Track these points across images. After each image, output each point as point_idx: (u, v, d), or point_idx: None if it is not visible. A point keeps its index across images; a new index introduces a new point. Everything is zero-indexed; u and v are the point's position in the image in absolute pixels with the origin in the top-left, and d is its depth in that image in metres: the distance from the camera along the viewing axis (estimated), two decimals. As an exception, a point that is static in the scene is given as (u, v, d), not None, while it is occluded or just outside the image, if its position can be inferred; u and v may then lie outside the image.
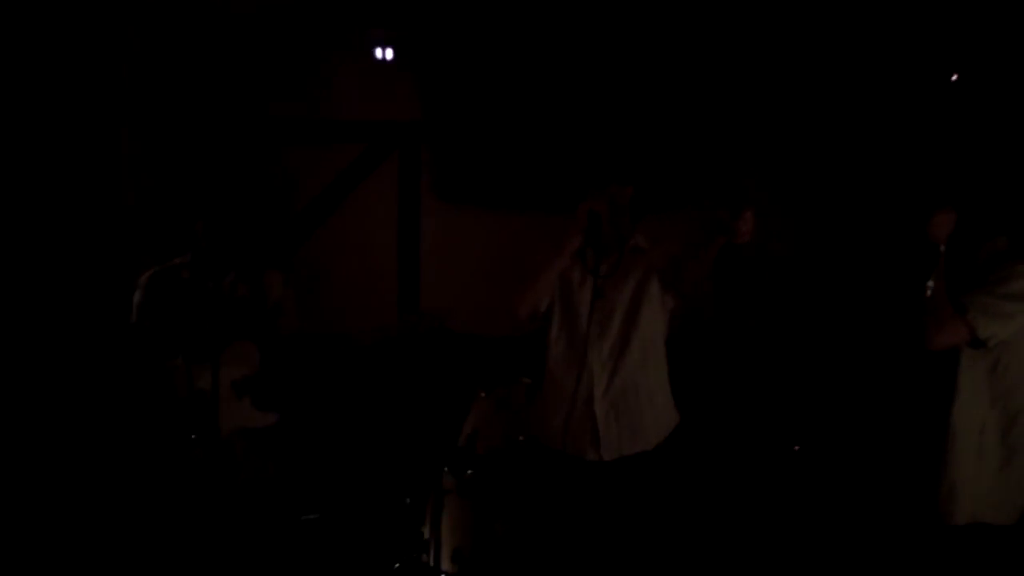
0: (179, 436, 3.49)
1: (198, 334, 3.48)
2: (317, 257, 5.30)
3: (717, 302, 3.57)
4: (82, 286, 4.36)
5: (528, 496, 3.86)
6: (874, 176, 4.80)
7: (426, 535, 4.19)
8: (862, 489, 4.09)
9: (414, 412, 4.83)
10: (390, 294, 5.36)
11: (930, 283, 2.71)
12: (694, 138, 5.14)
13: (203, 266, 3.66)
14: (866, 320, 4.52)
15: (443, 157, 5.41)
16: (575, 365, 3.38)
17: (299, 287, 4.08)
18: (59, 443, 3.92)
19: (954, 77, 4.56)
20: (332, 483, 4.64)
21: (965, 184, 2.95)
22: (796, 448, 4.33)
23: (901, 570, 3.15)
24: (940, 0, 4.53)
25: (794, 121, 4.97)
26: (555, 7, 5.02)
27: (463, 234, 5.21)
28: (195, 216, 3.68)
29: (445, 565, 4.10)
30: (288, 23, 5.07)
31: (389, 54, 5.14)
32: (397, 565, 4.28)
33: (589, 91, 5.16)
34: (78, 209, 4.52)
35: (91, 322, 4.04)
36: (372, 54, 5.13)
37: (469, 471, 4.14)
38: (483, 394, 4.25)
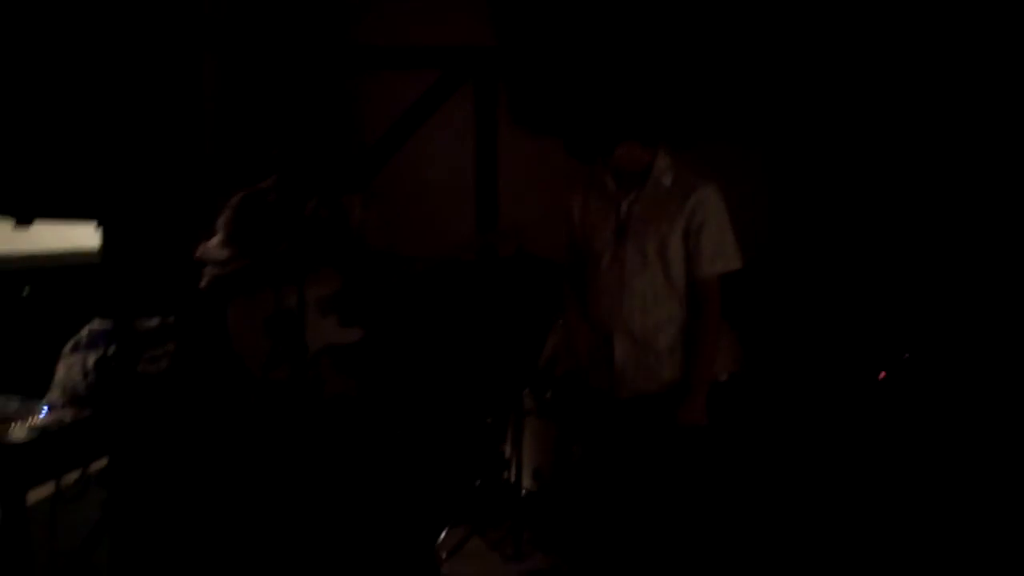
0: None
1: (285, 255, 3.54)
2: (395, 183, 5.34)
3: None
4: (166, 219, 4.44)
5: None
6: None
7: (507, 454, 4.27)
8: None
9: (495, 334, 4.87)
10: (469, 219, 5.39)
11: None
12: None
13: (288, 189, 3.72)
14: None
15: (520, 84, 5.37)
16: (598, 304, 3.38)
17: (378, 210, 4.12)
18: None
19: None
20: (415, 402, 4.73)
21: None
22: (881, 376, 4.26)
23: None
24: None
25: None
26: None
27: (540, 160, 5.19)
28: (272, 143, 3.74)
29: (525, 483, 4.18)
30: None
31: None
32: (479, 482, 4.38)
33: (668, 17, 5.08)
34: (162, 142, 4.61)
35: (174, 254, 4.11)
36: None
37: (548, 393, 4.19)
38: (561, 319, 4.27)
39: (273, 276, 3.57)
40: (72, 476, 3.23)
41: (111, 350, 3.50)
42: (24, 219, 3.28)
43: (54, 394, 3.48)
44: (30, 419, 3.16)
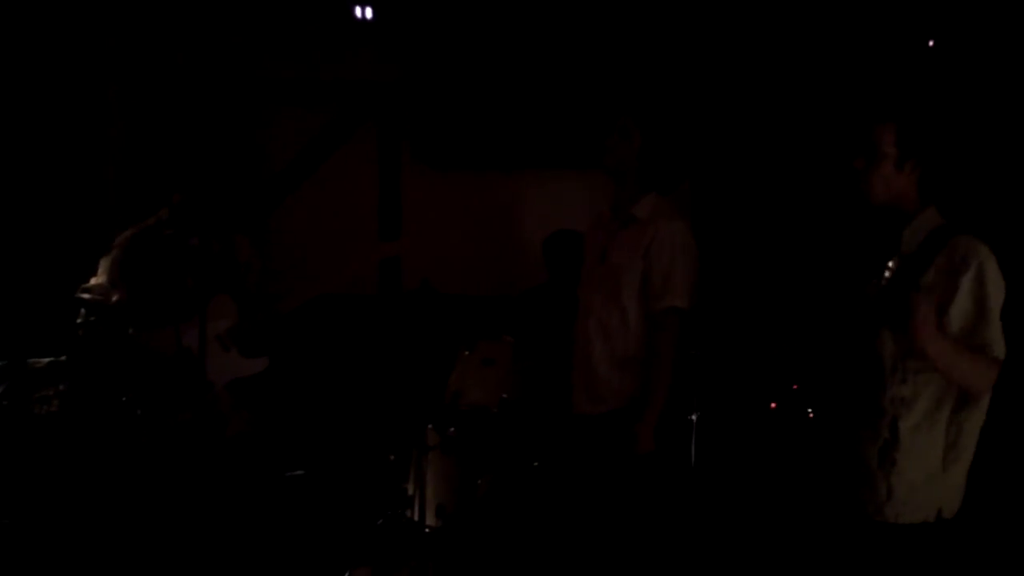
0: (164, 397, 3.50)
1: (183, 291, 3.47)
2: (296, 219, 5.29)
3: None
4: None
5: (511, 453, 3.91)
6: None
7: (410, 491, 4.24)
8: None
9: (399, 369, 4.86)
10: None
11: (890, 264, 2.52)
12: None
13: (183, 224, 3.66)
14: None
15: (424, 118, 5.40)
16: (578, 326, 3.47)
17: (278, 250, 4.09)
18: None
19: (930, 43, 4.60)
20: (317, 439, 4.68)
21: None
22: (772, 406, 4.41)
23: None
24: None
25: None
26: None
27: (445, 195, 5.22)
28: (173, 186, 3.69)
29: (429, 520, 4.16)
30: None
31: (369, 13, 5.09)
32: (380, 521, 4.33)
33: (573, 48, 5.18)
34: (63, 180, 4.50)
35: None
36: (352, 13, 5.09)
37: (452, 428, 4.18)
38: (467, 352, 4.29)
39: (172, 313, 3.50)
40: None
41: (1, 390, 3.38)
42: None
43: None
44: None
